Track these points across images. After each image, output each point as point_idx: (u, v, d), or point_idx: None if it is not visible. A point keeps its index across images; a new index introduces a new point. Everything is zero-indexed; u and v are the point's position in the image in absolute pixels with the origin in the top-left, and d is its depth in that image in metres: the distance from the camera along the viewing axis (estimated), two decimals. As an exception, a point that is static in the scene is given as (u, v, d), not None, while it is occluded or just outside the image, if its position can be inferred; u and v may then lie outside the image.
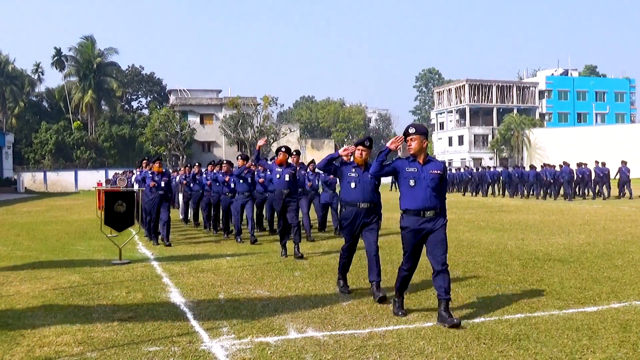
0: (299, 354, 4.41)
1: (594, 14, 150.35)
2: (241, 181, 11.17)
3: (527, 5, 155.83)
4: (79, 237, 12.78)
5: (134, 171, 21.64)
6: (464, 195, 32.17)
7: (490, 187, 30.36)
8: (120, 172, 31.36)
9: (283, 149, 9.34)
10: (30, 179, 49.16)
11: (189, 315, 5.64)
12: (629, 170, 23.28)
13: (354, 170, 6.56)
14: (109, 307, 5.98)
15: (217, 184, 12.19)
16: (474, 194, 31.30)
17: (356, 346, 4.55)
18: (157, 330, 5.09)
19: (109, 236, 10.05)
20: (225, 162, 12.23)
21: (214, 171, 12.93)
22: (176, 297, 6.49)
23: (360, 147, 6.69)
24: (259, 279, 7.39)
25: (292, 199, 9.09)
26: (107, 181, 33.07)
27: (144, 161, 13.92)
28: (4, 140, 47.07)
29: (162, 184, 10.93)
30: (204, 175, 13.29)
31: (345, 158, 7.14)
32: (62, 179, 49.55)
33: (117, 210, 9.47)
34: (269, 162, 10.46)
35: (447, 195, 6.75)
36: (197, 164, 14.61)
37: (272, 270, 8.09)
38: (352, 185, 6.41)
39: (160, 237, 11.19)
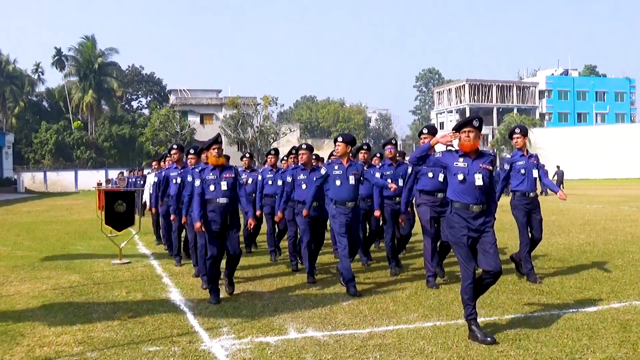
0: (299, 354, 4.41)
1: (594, 14, 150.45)
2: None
3: (527, 5, 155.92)
4: (79, 237, 12.78)
5: (148, 171, 18.97)
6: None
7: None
8: (126, 171, 28.40)
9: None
10: (30, 179, 49.15)
11: (189, 315, 5.65)
12: (563, 173, 30.33)
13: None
14: (109, 307, 5.98)
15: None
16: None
17: (356, 346, 4.55)
18: (157, 330, 5.09)
19: (109, 236, 10.05)
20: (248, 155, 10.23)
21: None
22: (176, 297, 6.49)
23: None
24: (259, 279, 7.38)
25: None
26: (108, 181, 33.07)
27: (158, 159, 11.29)
28: (4, 140, 47.05)
29: (225, 187, 6.38)
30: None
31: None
32: (62, 179, 49.54)
33: (117, 210, 9.48)
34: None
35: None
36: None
37: (272, 270, 8.09)
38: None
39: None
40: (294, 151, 8.50)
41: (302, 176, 7.50)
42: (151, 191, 11.40)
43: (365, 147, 8.30)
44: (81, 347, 4.63)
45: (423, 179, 6.83)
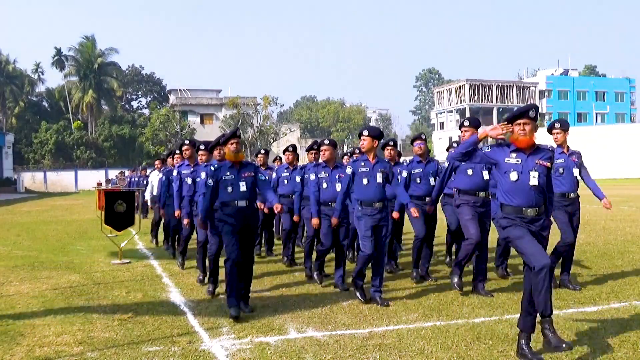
0: (299, 354, 4.41)
1: (593, 14, 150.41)
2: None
3: (527, 5, 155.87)
4: (79, 237, 12.77)
5: (150, 170, 18.67)
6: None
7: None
8: (129, 171, 27.98)
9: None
10: (30, 179, 49.12)
11: (189, 315, 5.65)
12: None
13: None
14: (109, 307, 5.98)
15: None
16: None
17: (356, 346, 4.55)
18: (157, 330, 5.09)
19: (109, 236, 10.05)
20: (263, 152, 9.92)
21: None
22: (176, 297, 6.49)
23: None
24: (259, 279, 7.38)
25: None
26: (108, 181, 33.03)
27: (164, 157, 10.40)
28: (4, 140, 47.03)
29: (244, 187, 5.72)
30: None
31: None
32: (62, 179, 49.50)
33: (117, 210, 9.48)
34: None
35: None
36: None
37: (271, 269, 8.09)
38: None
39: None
40: (315, 147, 7.73)
41: (323, 174, 6.90)
42: (155, 192, 11.31)
43: (391, 143, 7.51)
44: (81, 347, 4.63)
45: (461, 177, 6.34)
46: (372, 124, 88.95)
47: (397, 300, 6.04)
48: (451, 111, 71.53)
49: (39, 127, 57.34)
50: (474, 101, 68.35)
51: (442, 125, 74.06)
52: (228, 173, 5.69)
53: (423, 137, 7.41)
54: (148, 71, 73.48)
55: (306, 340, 4.75)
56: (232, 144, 5.75)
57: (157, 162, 11.69)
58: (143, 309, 5.87)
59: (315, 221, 6.82)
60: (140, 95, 74.20)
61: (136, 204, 14.59)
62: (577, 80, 72.55)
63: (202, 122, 57.67)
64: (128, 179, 20.78)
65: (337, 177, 6.68)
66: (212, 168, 5.79)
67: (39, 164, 54.56)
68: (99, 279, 7.63)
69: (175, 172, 8.02)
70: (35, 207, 24.90)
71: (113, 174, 37.58)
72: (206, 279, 6.92)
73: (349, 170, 6.03)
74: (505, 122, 4.32)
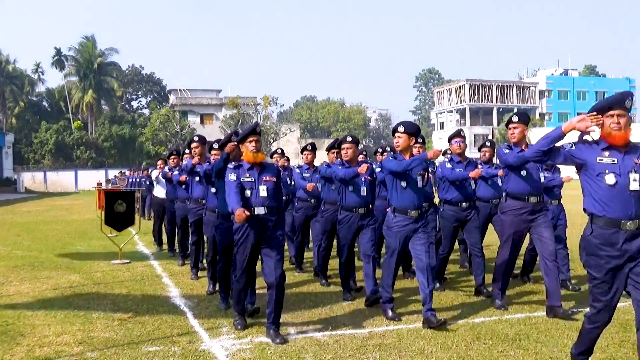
0: (299, 354, 4.41)
1: (593, 14, 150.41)
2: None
3: (527, 5, 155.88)
4: (79, 237, 12.77)
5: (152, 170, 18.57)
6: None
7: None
8: (129, 171, 27.57)
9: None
10: (30, 179, 49.10)
11: (189, 315, 5.65)
12: None
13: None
14: (109, 307, 5.98)
15: None
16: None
17: (356, 346, 4.55)
18: (157, 330, 5.09)
19: (109, 236, 10.05)
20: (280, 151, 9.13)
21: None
22: (176, 297, 6.49)
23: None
24: (259, 279, 7.38)
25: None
26: (108, 181, 32.99)
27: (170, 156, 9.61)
28: (4, 140, 47.01)
29: (264, 192, 4.96)
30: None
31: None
32: (62, 179, 49.48)
33: (117, 210, 9.48)
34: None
35: None
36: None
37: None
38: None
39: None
40: (336, 145, 7.02)
41: None
42: (154, 192, 10.90)
43: (420, 140, 6.48)
44: (81, 347, 4.63)
45: (511, 179, 5.48)
46: (372, 124, 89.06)
47: (397, 301, 6.03)
48: (451, 111, 71.52)
49: (39, 127, 57.33)
50: (474, 101, 68.33)
51: (442, 125, 74.06)
52: (247, 175, 4.91)
53: (463, 134, 6.51)
54: (148, 71, 73.49)
55: (306, 340, 4.75)
56: (251, 141, 4.92)
57: (159, 161, 11.27)
58: (143, 309, 5.87)
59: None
60: (140, 95, 74.20)
61: (137, 206, 14.64)
62: (577, 80, 72.54)
63: (202, 122, 57.64)
64: (128, 179, 20.76)
65: (362, 178, 5.93)
66: (231, 166, 4.98)
67: (39, 164, 54.55)
68: (99, 279, 7.63)
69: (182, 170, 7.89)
70: (35, 207, 24.89)
71: (113, 174, 37.54)
72: (214, 286, 6.57)
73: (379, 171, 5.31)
74: (595, 113, 3.60)
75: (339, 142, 6.57)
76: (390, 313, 5.31)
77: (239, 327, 5.05)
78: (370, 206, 6.04)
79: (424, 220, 5.28)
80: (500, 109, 68.99)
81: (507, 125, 5.62)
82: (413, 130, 5.18)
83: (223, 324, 5.26)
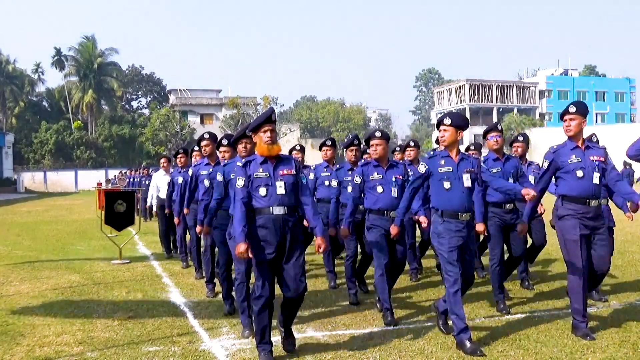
0: (299, 353, 4.41)
1: (593, 14, 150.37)
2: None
3: (527, 5, 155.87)
4: (79, 237, 12.78)
5: (154, 170, 16.99)
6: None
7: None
8: (129, 171, 26.68)
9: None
10: (30, 179, 49.13)
11: (189, 315, 5.65)
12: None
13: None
14: (109, 307, 5.98)
15: None
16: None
17: (356, 346, 4.55)
18: (157, 330, 5.09)
19: (109, 236, 10.05)
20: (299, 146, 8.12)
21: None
22: (176, 297, 6.49)
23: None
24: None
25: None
26: (108, 181, 33.01)
27: (180, 154, 8.90)
28: (4, 140, 47.02)
29: (282, 189, 4.31)
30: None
31: None
32: (62, 179, 49.51)
33: (117, 210, 9.48)
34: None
35: None
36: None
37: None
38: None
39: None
40: (355, 142, 6.41)
41: (375, 175, 5.43)
42: (162, 194, 9.76)
43: (499, 127, 6.03)
44: (81, 347, 4.63)
45: (567, 180, 4.76)
46: (372, 124, 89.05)
47: (397, 301, 6.04)
48: (451, 111, 71.56)
49: (39, 127, 57.35)
50: (474, 101, 68.35)
51: (442, 125, 73.98)
52: (260, 170, 4.27)
53: (500, 127, 5.90)
54: (148, 71, 73.46)
55: (306, 340, 4.75)
56: (265, 131, 4.26)
57: (162, 160, 10.23)
58: (143, 309, 5.87)
59: (344, 231, 5.65)
60: (140, 95, 74.18)
61: (137, 206, 14.61)
62: (577, 80, 72.57)
63: (202, 122, 57.66)
64: (128, 179, 20.75)
65: (393, 179, 5.36)
66: (240, 165, 4.34)
67: (39, 164, 54.55)
68: (99, 279, 7.63)
69: (190, 172, 7.02)
70: (35, 207, 24.90)
71: (113, 174, 37.56)
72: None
73: (422, 169, 4.70)
74: None
75: (366, 137, 5.64)
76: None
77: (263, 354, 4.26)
78: None
79: (472, 227, 4.74)
80: (500, 109, 69.02)
81: (561, 117, 4.93)
82: (461, 123, 4.66)
83: (223, 324, 5.26)
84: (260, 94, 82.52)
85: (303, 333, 4.94)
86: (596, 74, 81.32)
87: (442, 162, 4.63)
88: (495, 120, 67.37)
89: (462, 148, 6.92)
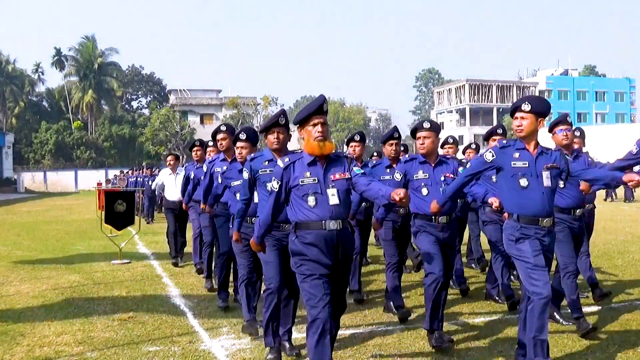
0: (298, 353, 4.40)
1: (593, 14, 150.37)
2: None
3: (527, 5, 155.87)
4: (79, 237, 12.78)
5: (159, 169, 16.83)
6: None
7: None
8: (130, 171, 26.02)
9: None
10: (30, 179, 49.14)
11: (189, 315, 5.65)
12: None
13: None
14: (109, 307, 5.98)
15: None
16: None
17: (356, 346, 4.55)
18: (157, 330, 5.09)
19: (109, 236, 10.05)
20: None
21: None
22: (176, 297, 6.49)
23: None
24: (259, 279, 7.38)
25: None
26: (108, 181, 33.00)
27: (196, 147, 8.14)
28: (4, 140, 47.02)
29: (336, 199, 3.54)
30: None
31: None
32: (62, 179, 49.52)
33: (117, 210, 9.48)
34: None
35: None
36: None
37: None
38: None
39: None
40: (396, 134, 5.61)
41: (421, 174, 4.65)
42: (164, 194, 9.21)
43: (500, 130, 5.54)
44: (81, 347, 4.63)
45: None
46: (372, 124, 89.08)
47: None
48: (451, 111, 71.55)
49: (39, 127, 57.35)
50: (474, 101, 68.35)
51: (442, 126, 74.04)
52: (308, 174, 3.47)
53: (569, 119, 5.05)
54: (148, 71, 73.46)
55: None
56: (315, 124, 3.45)
57: (169, 158, 9.59)
58: (143, 309, 5.87)
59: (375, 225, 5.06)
60: (140, 95, 74.19)
61: (138, 206, 14.58)
62: (577, 80, 72.56)
63: (202, 122, 57.67)
64: (128, 179, 20.73)
65: (442, 178, 4.60)
66: (282, 167, 3.53)
67: (39, 164, 54.56)
68: (99, 279, 7.63)
69: (205, 168, 6.27)
70: (35, 207, 24.90)
71: (113, 174, 37.56)
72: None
73: (489, 157, 3.89)
74: None
75: (412, 129, 4.78)
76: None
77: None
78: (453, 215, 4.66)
79: (554, 235, 4.00)
80: (500, 109, 69.00)
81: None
82: (542, 109, 3.82)
83: (223, 324, 5.26)
84: (260, 94, 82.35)
85: (303, 333, 4.94)
86: (596, 74, 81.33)
87: (517, 154, 3.84)
88: (495, 120, 67.42)
89: (462, 148, 6.90)
